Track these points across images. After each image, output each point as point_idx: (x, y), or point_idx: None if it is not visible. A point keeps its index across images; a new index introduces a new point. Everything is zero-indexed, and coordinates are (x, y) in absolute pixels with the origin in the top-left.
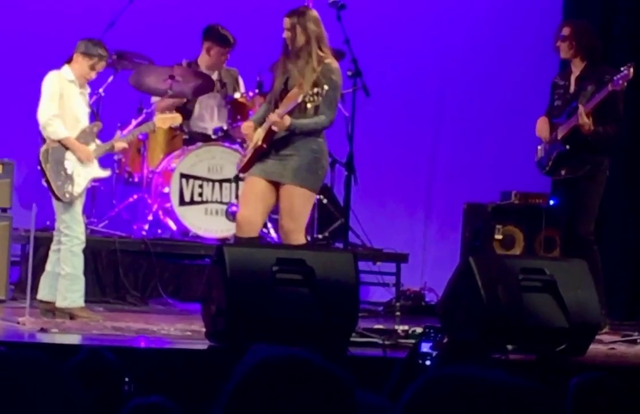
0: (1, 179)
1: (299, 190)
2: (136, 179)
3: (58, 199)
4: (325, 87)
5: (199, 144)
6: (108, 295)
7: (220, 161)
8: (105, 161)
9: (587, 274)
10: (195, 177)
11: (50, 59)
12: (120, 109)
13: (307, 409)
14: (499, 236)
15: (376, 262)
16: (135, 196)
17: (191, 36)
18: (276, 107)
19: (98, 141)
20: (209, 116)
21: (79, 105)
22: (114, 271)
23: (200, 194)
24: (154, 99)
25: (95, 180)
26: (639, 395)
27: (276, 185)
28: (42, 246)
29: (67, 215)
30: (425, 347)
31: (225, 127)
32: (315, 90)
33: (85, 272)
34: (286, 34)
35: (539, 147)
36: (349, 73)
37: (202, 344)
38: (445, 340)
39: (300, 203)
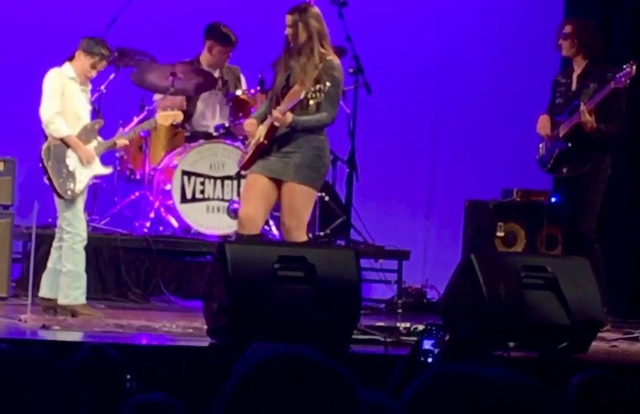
0: (3, 176)
1: (300, 187)
2: (138, 176)
3: (60, 196)
4: (327, 84)
5: (201, 141)
6: (110, 292)
7: (222, 158)
8: (106, 158)
9: (589, 272)
10: (197, 175)
11: (52, 56)
12: (122, 106)
13: (309, 406)
14: (500, 234)
15: (378, 259)
16: (137, 193)
17: (193, 33)
18: (277, 104)
19: (100, 138)
20: (211, 113)
21: (80, 102)
22: (115, 268)
23: (202, 192)
24: (157, 96)
25: (96, 177)
26: None
27: (278, 182)
28: (44, 243)
29: (69, 212)
30: (427, 344)
31: (227, 125)
32: (317, 87)
33: (87, 270)
34: (288, 31)
35: (541, 145)
36: (351, 70)
37: (204, 342)
38: (446, 337)
39: (301, 200)
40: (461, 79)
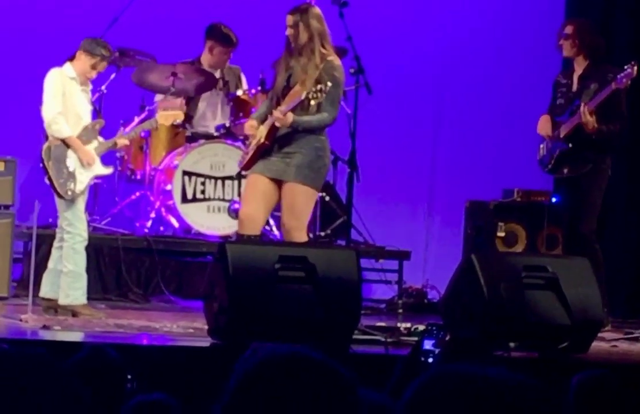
0: (4, 176)
1: (301, 187)
2: (138, 177)
3: (60, 196)
4: (328, 84)
5: (202, 141)
6: (110, 292)
7: (223, 158)
8: (107, 158)
9: (590, 272)
10: (198, 175)
11: (53, 56)
12: (122, 106)
13: (309, 406)
14: (501, 234)
15: (378, 259)
16: (137, 194)
17: (194, 33)
18: (278, 104)
19: (100, 138)
20: (212, 114)
21: (80, 102)
22: (116, 268)
23: (203, 192)
24: (157, 96)
25: (97, 177)
26: None
27: (278, 182)
28: (45, 243)
29: (70, 212)
30: (428, 344)
31: (227, 125)
32: (318, 87)
33: (88, 270)
34: (289, 31)
35: (541, 146)
36: (352, 70)
37: (205, 342)
38: (447, 337)
39: (302, 201)
40: (462, 79)
